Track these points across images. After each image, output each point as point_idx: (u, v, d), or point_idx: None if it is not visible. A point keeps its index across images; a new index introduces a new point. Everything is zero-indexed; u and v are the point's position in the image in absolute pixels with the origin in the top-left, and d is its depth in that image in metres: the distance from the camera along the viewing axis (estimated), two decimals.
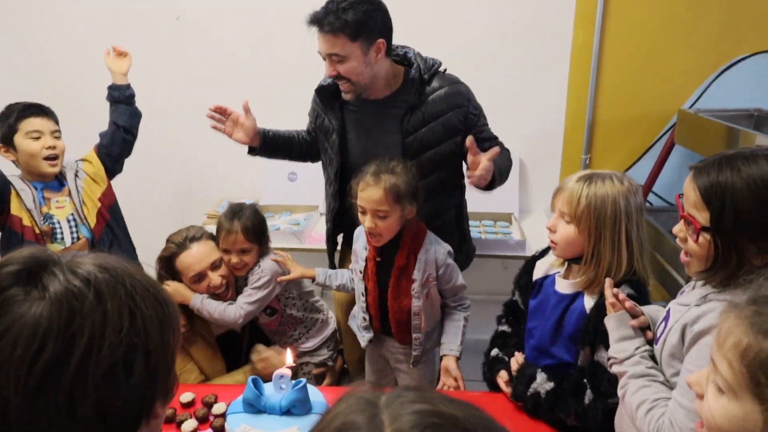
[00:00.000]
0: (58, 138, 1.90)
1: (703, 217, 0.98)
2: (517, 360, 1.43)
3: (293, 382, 1.21)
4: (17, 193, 1.83)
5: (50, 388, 0.55)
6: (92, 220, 1.94)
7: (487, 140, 1.82)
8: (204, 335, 1.78)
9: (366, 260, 1.69)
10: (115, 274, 0.62)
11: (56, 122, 1.93)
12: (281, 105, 2.63)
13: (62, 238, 1.90)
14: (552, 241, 1.35)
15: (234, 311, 1.73)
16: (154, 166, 2.83)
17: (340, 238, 2.05)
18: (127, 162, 2.89)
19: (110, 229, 2.00)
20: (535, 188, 2.69)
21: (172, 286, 1.71)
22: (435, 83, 1.77)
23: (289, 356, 1.27)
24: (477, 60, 2.51)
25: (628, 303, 1.16)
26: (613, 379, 1.20)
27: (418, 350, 1.73)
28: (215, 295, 1.74)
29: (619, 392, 1.11)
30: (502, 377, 1.45)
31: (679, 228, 1.05)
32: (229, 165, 2.80)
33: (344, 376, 2.06)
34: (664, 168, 2.55)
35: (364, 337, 1.76)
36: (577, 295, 1.35)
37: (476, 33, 2.50)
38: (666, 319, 1.07)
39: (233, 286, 1.79)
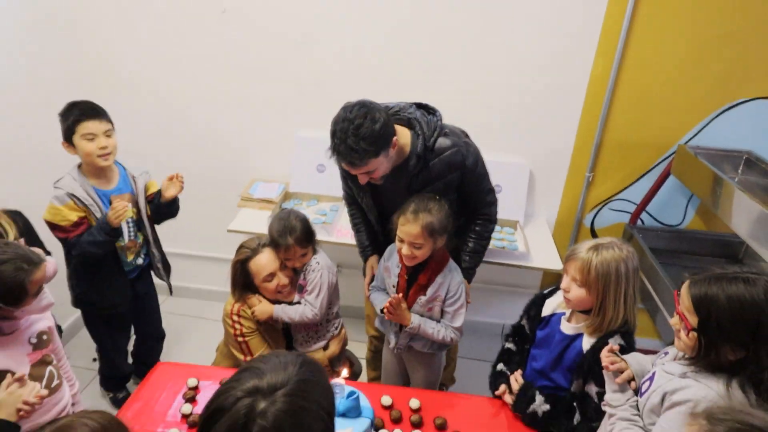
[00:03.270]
0: (109, 136, 2.14)
1: (692, 320, 1.27)
2: (516, 379, 1.76)
3: (347, 391, 1.52)
4: (87, 208, 2.12)
5: None
6: (144, 224, 2.31)
7: (483, 192, 2.06)
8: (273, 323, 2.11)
9: (398, 276, 1.97)
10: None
11: (109, 121, 2.14)
12: (322, 95, 2.85)
13: (124, 236, 2.26)
14: (566, 299, 1.64)
15: (310, 310, 2.05)
16: (191, 147, 3.04)
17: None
18: (167, 144, 3.11)
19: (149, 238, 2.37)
20: (540, 198, 2.96)
21: (258, 309, 2.03)
22: (438, 144, 1.92)
23: (345, 371, 1.57)
24: (502, 80, 2.72)
25: (614, 366, 1.46)
26: (598, 408, 1.54)
27: (403, 340, 2.01)
28: (280, 293, 2.04)
29: (608, 427, 1.44)
30: (502, 390, 1.80)
31: (675, 321, 1.33)
32: (261, 150, 3.02)
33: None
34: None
35: (392, 339, 2.07)
36: (577, 336, 1.66)
37: (504, 56, 2.68)
38: (651, 379, 1.38)
39: (295, 286, 2.09)
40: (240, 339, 2.04)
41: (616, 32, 2.59)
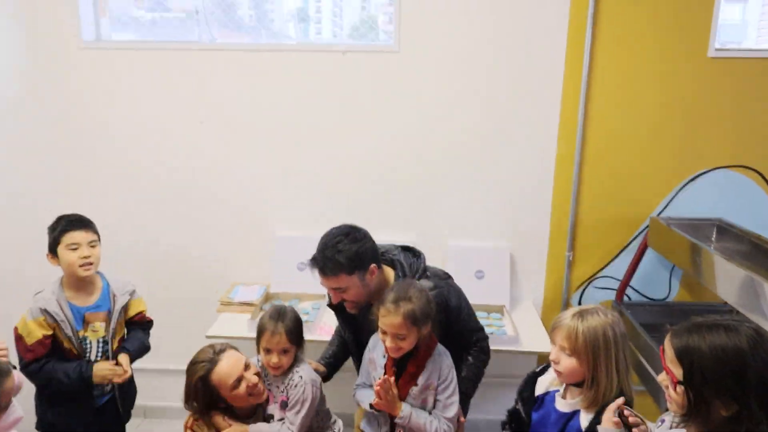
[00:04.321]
0: (94, 247, 2.11)
1: (678, 373, 1.22)
2: None
3: None
4: (59, 324, 2.04)
5: None
6: (114, 345, 2.19)
7: (472, 331, 2.09)
8: None
9: (384, 367, 1.88)
10: None
11: (95, 232, 2.14)
12: (301, 197, 2.95)
13: (90, 355, 2.13)
14: (557, 372, 1.58)
15: (287, 429, 1.86)
16: (171, 248, 3.02)
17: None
18: (147, 248, 3.08)
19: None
20: (524, 281, 2.95)
21: (232, 430, 1.82)
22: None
23: None
24: (475, 163, 2.83)
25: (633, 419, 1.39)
26: None
27: None
28: (252, 396, 1.84)
29: None
30: None
31: (662, 377, 1.28)
32: (241, 254, 3.00)
33: None
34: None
35: None
36: (574, 413, 1.57)
37: (473, 146, 2.81)
38: None
39: (264, 384, 1.90)
40: None
41: (574, 115, 2.73)
